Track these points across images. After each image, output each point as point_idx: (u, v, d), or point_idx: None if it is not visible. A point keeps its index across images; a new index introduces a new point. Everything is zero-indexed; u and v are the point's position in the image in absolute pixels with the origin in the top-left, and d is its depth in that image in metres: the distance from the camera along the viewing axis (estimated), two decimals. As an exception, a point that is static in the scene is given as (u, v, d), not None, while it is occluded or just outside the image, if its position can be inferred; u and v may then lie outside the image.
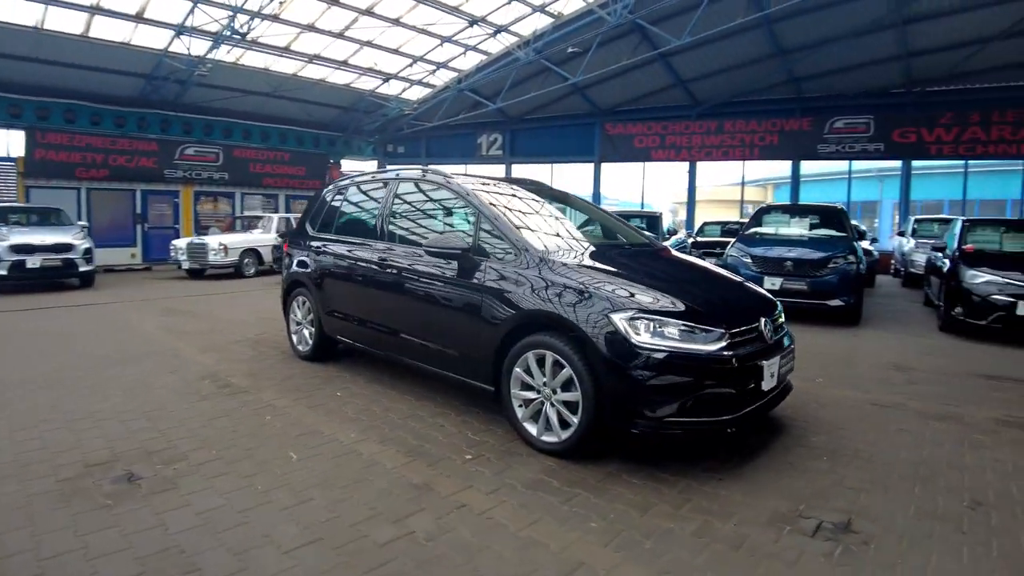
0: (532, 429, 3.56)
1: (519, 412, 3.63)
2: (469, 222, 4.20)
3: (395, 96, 19.36)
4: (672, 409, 3.16)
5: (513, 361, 3.61)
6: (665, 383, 3.15)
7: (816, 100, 17.79)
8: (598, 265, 3.71)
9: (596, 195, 20.81)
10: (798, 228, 10.01)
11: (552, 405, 3.47)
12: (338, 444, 3.56)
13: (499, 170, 21.29)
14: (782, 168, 21.87)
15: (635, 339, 3.19)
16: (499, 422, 3.98)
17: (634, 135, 19.87)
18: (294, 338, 5.66)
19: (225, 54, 14.18)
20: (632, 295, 3.35)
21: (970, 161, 17.12)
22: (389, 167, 5.82)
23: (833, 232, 9.53)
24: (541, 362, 3.50)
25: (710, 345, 3.23)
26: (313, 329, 5.38)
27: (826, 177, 22.68)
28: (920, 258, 12.55)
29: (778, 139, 18.34)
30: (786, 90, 17.84)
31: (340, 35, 14.67)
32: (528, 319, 3.56)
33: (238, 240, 12.52)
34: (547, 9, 14.90)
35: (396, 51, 16.24)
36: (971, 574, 2.47)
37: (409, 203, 4.82)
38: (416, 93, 19.73)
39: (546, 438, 3.50)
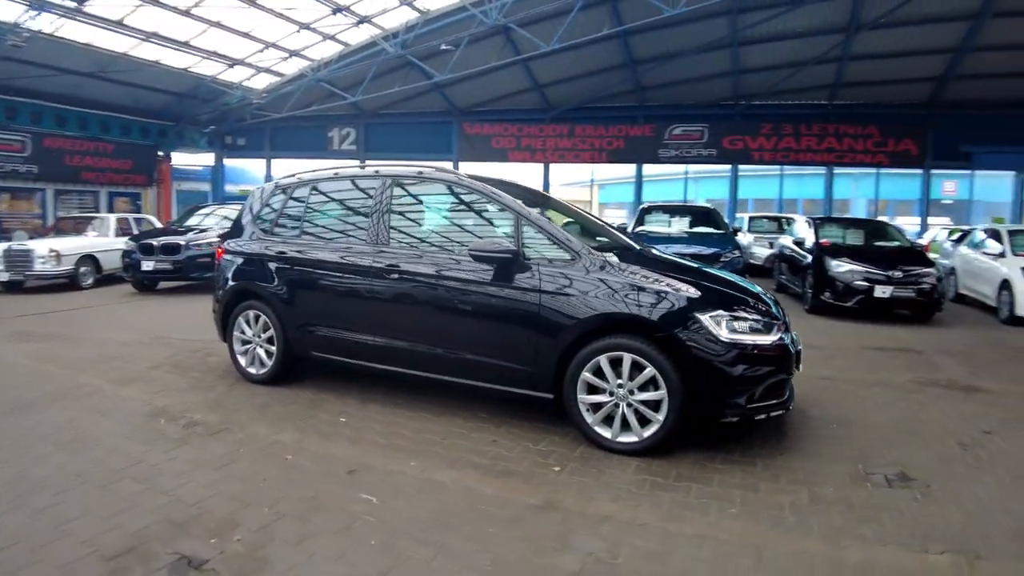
0: (606, 432, 3.46)
1: (588, 417, 3.49)
2: (495, 224, 3.95)
3: (239, 84, 17.41)
4: (752, 396, 3.36)
5: (580, 366, 3.46)
6: (748, 373, 3.32)
7: (658, 109, 19.56)
8: (652, 266, 3.71)
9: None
10: (678, 226, 10.90)
11: (629, 406, 3.41)
12: (407, 476, 3.09)
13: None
14: (605, 170, 23.33)
15: (721, 335, 3.29)
16: (547, 429, 3.77)
17: (491, 135, 20.16)
18: (242, 360, 4.78)
19: (48, 24, 11.59)
20: (708, 294, 3.44)
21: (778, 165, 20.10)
22: (368, 163, 5.16)
23: (713, 229, 10.56)
24: (614, 364, 3.41)
25: (773, 335, 3.46)
26: (274, 348, 4.59)
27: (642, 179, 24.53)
28: (759, 250, 14.46)
29: (624, 144, 19.86)
30: (632, 98, 19.34)
31: (186, 12, 12.82)
32: (601, 322, 3.45)
33: (74, 245, 10.29)
34: (414, 4, 14.50)
35: (247, 35, 14.61)
36: (1015, 490, 3.16)
37: (416, 205, 4.37)
38: (263, 81, 17.95)
39: (623, 439, 3.42)
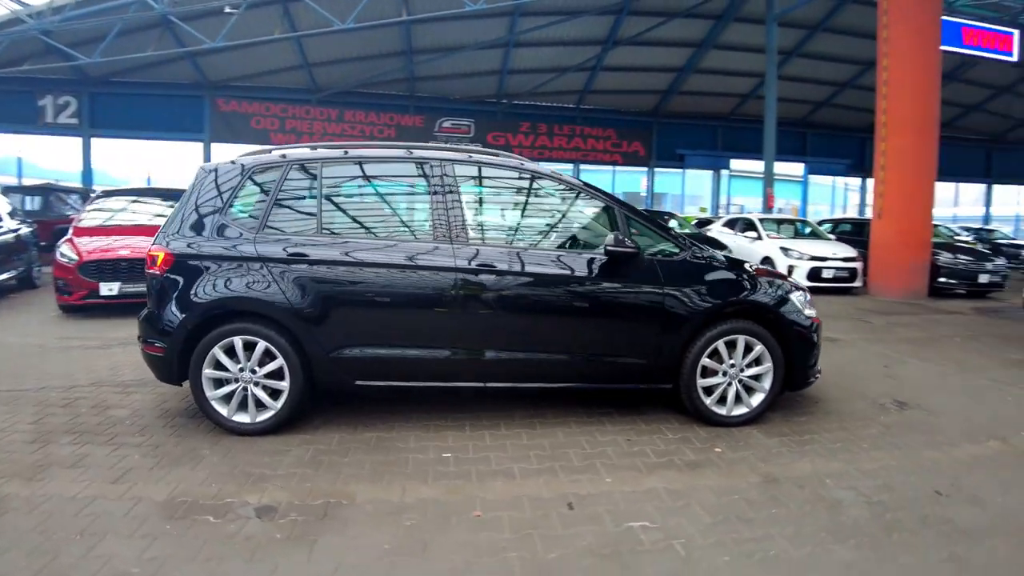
0: (721, 410, 3.73)
1: (706, 399, 3.71)
2: (586, 216, 3.88)
3: None
4: (817, 361, 4.00)
5: (700, 352, 3.64)
6: (818, 341, 3.95)
7: (429, 100, 19.87)
8: (732, 254, 4.12)
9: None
10: None
11: (740, 382, 3.75)
12: (630, 493, 2.89)
13: (74, 143, 15.95)
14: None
15: (805, 311, 3.88)
16: (646, 419, 3.85)
17: (251, 115, 17.97)
18: (221, 408, 3.52)
19: None
20: (786, 278, 3.97)
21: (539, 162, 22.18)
22: (402, 144, 4.11)
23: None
24: (729, 347, 3.71)
25: (814, 308, 4.18)
26: (285, 383, 3.52)
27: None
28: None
29: (395, 133, 19.69)
30: (402, 87, 19.28)
31: None
32: (725, 309, 3.70)
33: None
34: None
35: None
36: (962, 399, 4.48)
37: (487, 193, 3.90)
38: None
39: (736, 412, 3.75)
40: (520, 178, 4.00)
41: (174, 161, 18.60)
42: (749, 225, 12.06)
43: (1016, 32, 15.21)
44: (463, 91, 19.71)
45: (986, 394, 4.67)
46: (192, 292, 3.54)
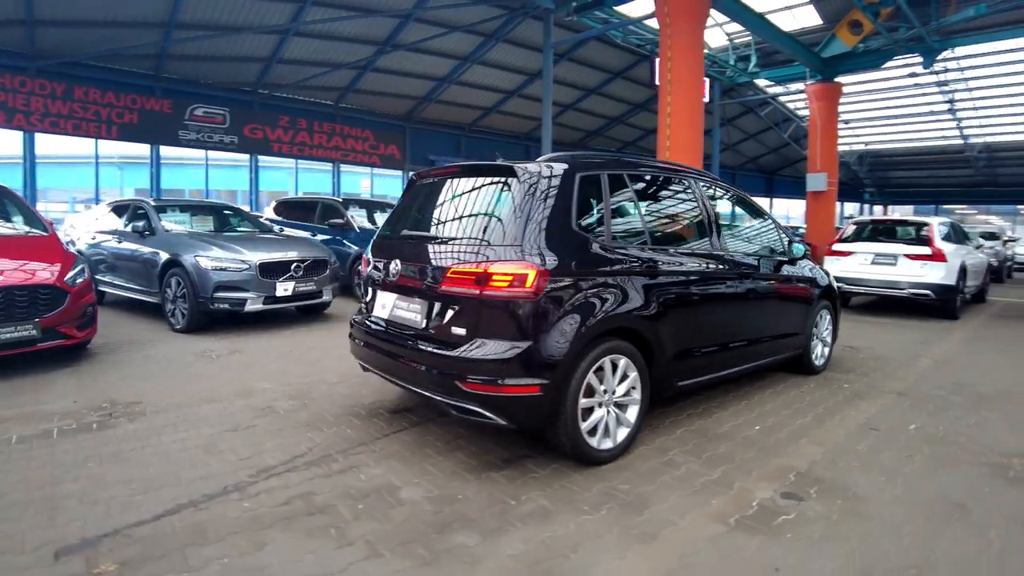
0: (819, 363, 5.40)
1: (812, 355, 5.34)
2: (759, 223, 5.13)
3: None
4: None
5: (813, 323, 5.24)
6: None
7: (177, 83, 16.36)
8: None
9: None
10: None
11: (821, 342, 5.53)
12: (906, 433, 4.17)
13: None
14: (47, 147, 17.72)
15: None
16: (777, 380, 5.15)
17: (-67, 83, 12.09)
18: (591, 439, 3.27)
19: None
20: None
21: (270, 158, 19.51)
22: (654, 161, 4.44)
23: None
24: (821, 317, 5.42)
25: None
26: (636, 397, 3.48)
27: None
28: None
29: (138, 118, 15.86)
30: (148, 64, 15.50)
31: None
32: (823, 291, 5.33)
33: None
34: None
35: None
36: (881, 340, 7.08)
37: (720, 207, 4.66)
38: None
39: (820, 363, 5.43)
40: (735, 200, 4.93)
41: None
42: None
43: (707, 80, 17.65)
44: (218, 76, 16.72)
45: (866, 336, 7.32)
46: (576, 314, 3.14)
